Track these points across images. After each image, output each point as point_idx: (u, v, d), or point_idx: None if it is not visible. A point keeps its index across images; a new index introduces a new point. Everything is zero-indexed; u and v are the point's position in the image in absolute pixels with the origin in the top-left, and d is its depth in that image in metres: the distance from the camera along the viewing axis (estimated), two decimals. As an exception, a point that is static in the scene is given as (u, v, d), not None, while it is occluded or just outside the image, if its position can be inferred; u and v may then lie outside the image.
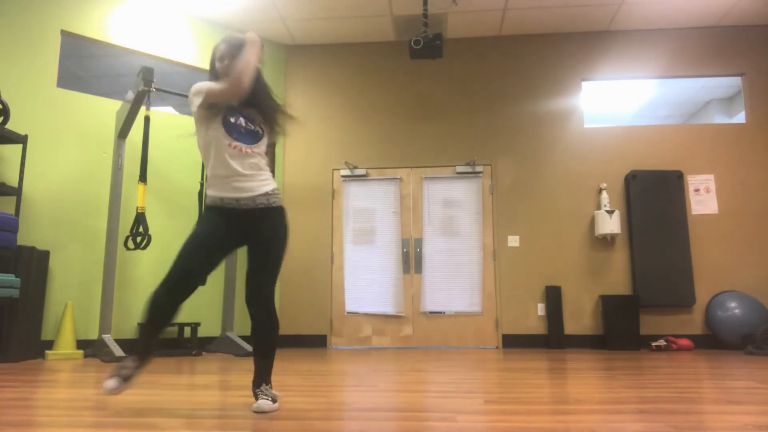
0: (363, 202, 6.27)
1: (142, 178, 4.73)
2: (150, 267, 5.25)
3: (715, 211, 5.85)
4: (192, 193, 5.58)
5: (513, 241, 5.99)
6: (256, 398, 2.19)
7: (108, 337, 4.50)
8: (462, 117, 6.29)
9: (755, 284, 5.64)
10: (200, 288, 5.51)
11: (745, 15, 5.92)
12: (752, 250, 5.75)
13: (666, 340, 5.43)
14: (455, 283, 6.00)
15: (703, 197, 5.89)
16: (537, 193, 6.06)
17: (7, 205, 4.56)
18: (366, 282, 6.10)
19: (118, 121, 5.02)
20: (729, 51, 6.12)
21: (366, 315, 6.05)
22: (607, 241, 5.88)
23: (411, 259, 6.09)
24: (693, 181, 5.92)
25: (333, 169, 6.36)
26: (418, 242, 6.11)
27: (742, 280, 5.67)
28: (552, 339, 5.63)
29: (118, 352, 4.28)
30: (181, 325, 5.18)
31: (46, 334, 4.66)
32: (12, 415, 2.06)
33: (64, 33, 5.14)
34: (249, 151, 2.27)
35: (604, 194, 5.88)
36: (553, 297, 5.73)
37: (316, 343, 6.02)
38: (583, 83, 6.28)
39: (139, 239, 4.65)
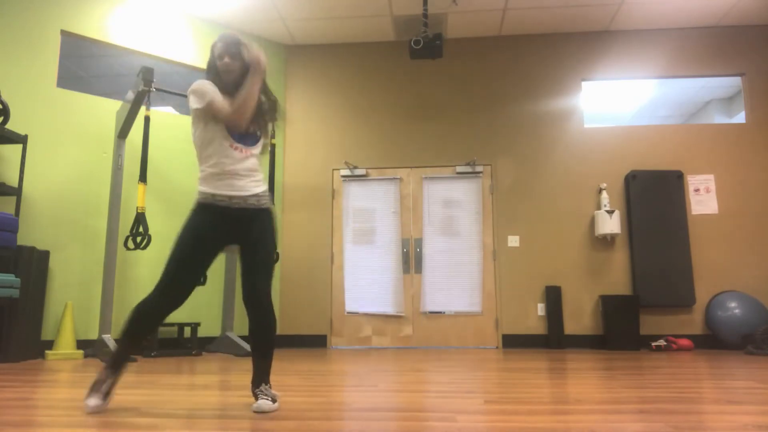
0: (363, 202, 6.27)
1: (142, 178, 4.73)
2: (150, 267, 5.25)
3: (715, 211, 5.85)
4: (192, 193, 5.55)
5: (513, 241, 5.99)
6: (256, 398, 2.19)
7: (108, 337, 4.50)
8: (462, 117, 6.29)
9: (755, 284, 5.64)
10: (200, 288, 5.51)
11: (745, 15, 5.92)
12: (752, 250, 5.75)
13: (666, 340, 5.43)
14: (455, 283, 6.00)
15: (703, 197, 5.89)
16: (537, 193, 6.06)
17: (7, 205, 4.56)
18: (366, 282, 6.11)
19: (118, 121, 5.02)
20: (729, 51, 6.12)
21: (366, 315, 6.05)
22: (607, 241, 5.88)
23: (411, 259, 6.09)
24: (693, 181, 5.92)
25: (333, 169, 6.36)
26: (418, 242, 6.11)
27: (742, 280, 5.67)
28: (552, 339, 5.63)
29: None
30: (181, 325, 5.18)
31: (46, 334, 4.66)
32: (12, 415, 2.06)
33: (64, 33, 5.14)
34: (248, 152, 2.30)
35: (604, 194, 5.88)
36: (553, 297, 5.73)
37: (316, 343, 6.02)
38: (583, 83, 6.28)
39: (139, 239, 4.65)
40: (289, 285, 6.16)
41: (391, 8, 5.82)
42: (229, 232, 2.25)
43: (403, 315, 6.01)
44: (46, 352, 4.52)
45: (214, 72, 2.30)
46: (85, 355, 4.66)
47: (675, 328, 5.65)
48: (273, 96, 2.46)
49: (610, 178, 6.00)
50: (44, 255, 4.57)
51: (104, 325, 4.63)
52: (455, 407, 2.24)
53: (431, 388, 2.83)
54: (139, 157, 4.94)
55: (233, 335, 5.30)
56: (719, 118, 7.31)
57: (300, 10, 5.86)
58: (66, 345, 4.60)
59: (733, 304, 5.37)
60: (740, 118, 6.48)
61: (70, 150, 5.04)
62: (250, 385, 2.29)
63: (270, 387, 2.25)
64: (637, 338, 5.45)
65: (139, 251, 4.89)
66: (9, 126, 4.61)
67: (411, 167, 6.26)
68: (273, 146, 5.61)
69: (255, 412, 2.12)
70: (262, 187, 2.32)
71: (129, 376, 3.34)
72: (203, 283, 5.11)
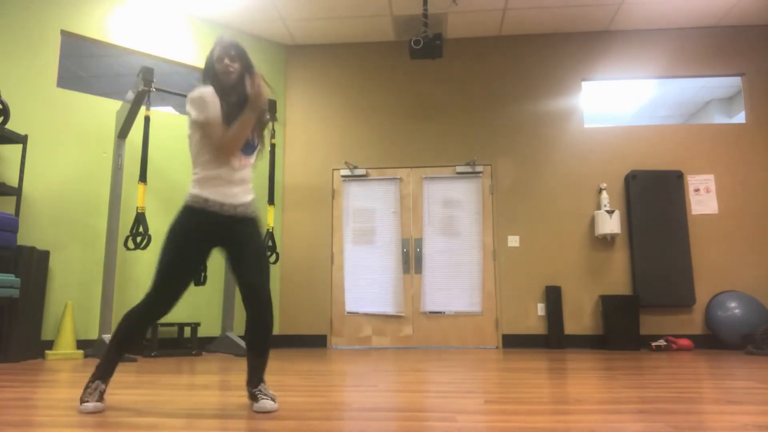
0: (363, 202, 6.27)
1: (142, 178, 4.73)
2: (150, 267, 5.21)
3: (715, 211, 5.85)
4: (192, 193, 5.57)
5: (513, 241, 5.99)
6: (255, 398, 2.19)
7: (108, 337, 4.50)
8: (462, 117, 6.29)
9: (755, 284, 5.64)
10: (200, 288, 5.48)
11: (745, 15, 5.92)
12: (752, 250, 5.75)
13: (666, 340, 5.43)
14: (455, 283, 6.00)
15: (703, 197, 5.89)
16: (537, 193, 6.06)
17: (7, 205, 4.56)
18: (366, 282, 6.11)
19: (118, 121, 5.02)
20: (729, 51, 6.12)
21: (366, 315, 6.05)
22: (607, 241, 5.88)
23: (411, 259, 6.09)
24: (693, 181, 5.92)
25: (333, 169, 6.36)
26: (418, 242, 6.11)
27: (742, 280, 5.67)
28: (552, 339, 5.63)
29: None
30: (181, 325, 5.18)
31: (46, 334, 4.66)
32: (12, 415, 2.06)
33: (64, 33, 5.14)
34: (246, 162, 2.31)
35: (604, 194, 5.88)
36: (553, 297, 5.73)
37: (316, 343, 6.02)
38: (583, 83, 6.28)
39: (139, 239, 4.65)
40: (289, 285, 6.16)
41: (391, 8, 5.83)
42: (218, 236, 2.25)
43: (403, 315, 6.01)
44: (46, 352, 4.52)
45: (211, 76, 2.27)
46: (85, 355, 4.66)
47: (675, 328, 5.65)
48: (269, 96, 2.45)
49: (610, 178, 6.00)
50: (44, 255, 4.57)
51: (104, 325, 4.63)
52: (455, 407, 2.24)
53: (431, 388, 2.83)
54: (139, 157, 4.94)
55: (233, 335, 5.30)
56: (719, 118, 7.31)
57: (300, 10, 5.86)
58: (66, 345, 4.60)
59: (733, 304, 5.37)
60: (740, 118, 6.48)
61: (70, 150, 5.04)
62: (246, 384, 2.29)
63: (266, 386, 2.25)
64: (637, 338, 5.45)
65: (139, 251, 4.88)
66: (9, 126, 4.61)
67: (411, 167, 6.26)
68: (273, 146, 5.61)
69: (258, 412, 2.12)
70: (251, 196, 2.34)
71: (129, 376, 3.35)
72: (203, 283, 5.13)
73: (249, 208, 2.31)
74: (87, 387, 2.16)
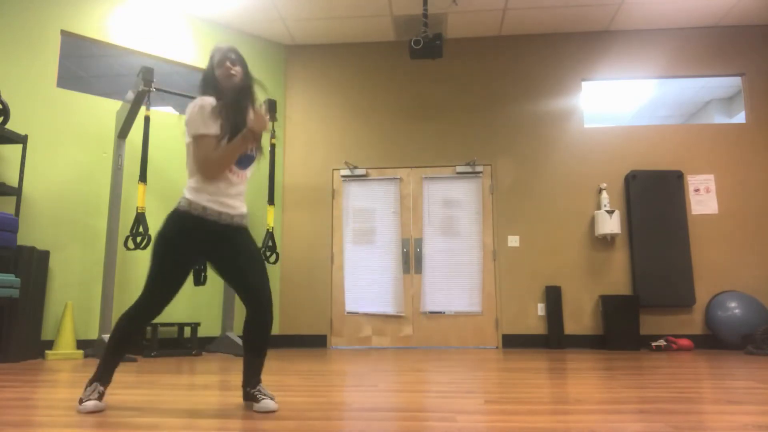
0: (363, 202, 6.27)
1: (142, 178, 4.73)
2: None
3: (715, 211, 5.85)
4: (192, 193, 5.57)
5: (513, 241, 5.99)
6: (254, 398, 2.19)
7: (108, 337, 4.50)
8: (462, 117, 6.29)
9: (755, 284, 5.64)
10: (200, 288, 5.49)
11: (745, 15, 5.92)
12: (752, 250, 5.75)
13: (666, 340, 5.43)
14: (455, 283, 6.00)
15: (703, 197, 5.89)
16: (537, 193, 6.06)
17: (7, 205, 4.56)
18: (366, 282, 6.11)
19: (118, 121, 5.02)
20: (729, 51, 6.12)
21: (366, 315, 6.05)
22: (607, 241, 5.88)
23: (411, 259, 6.09)
24: (693, 181, 5.92)
25: (333, 169, 6.36)
26: (418, 242, 6.11)
27: (742, 280, 5.67)
28: (552, 339, 5.63)
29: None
30: (181, 325, 5.18)
31: (46, 334, 4.66)
32: (12, 415, 2.06)
33: (64, 33, 5.14)
34: (243, 176, 2.30)
35: (604, 194, 5.88)
36: (553, 297, 5.73)
37: (316, 343, 6.02)
38: (583, 83, 6.28)
39: (139, 239, 4.65)
40: (289, 285, 6.16)
41: (391, 8, 5.82)
42: (211, 244, 2.24)
43: (403, 315, 6.01)
44: (46, 352, 4.52)
45: (211, 83, 2.25)
46: (85, 355, 4.66)
47: (675, 328, 5.65)
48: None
49: (610, 178, 6.00)
50: (44, 255, 4.57)
51: (104, 325, 4.63)
52: (455, 407, 2.24)
53: (431, 388, 2.83)
54: (139, 157, 4.95)
55: (233, 335, 5.30)
56: (719, 118, 7.31)
57: (300, 10, 5.86)
58: (66, 345, 4.60)
59: (733, 304, 5.37)
60: (740, 118, 6.48)
61: (70, 150, 5.04)
62: (243, 385, 2.29)
63: (263, 386, 2.25)
64: (637, 338, 5.45)
65: (139, 251, 4.89)
66: (9, 126, 4.61)
67: (411, 167, 6.26)
68: (273, 146, 5.61)
69: (260, 412, 2.12)
70: (245, 208, 2.34)
71: (129, 376, 3.35)
72: (203, 283, 5.13)
73: (244, 219, 2.32)
74: (86, 388, 2.16)
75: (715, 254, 5.76)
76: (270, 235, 5.39)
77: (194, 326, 5.12)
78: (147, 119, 4.86)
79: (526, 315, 5.85)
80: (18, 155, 4.70)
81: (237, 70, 2.26)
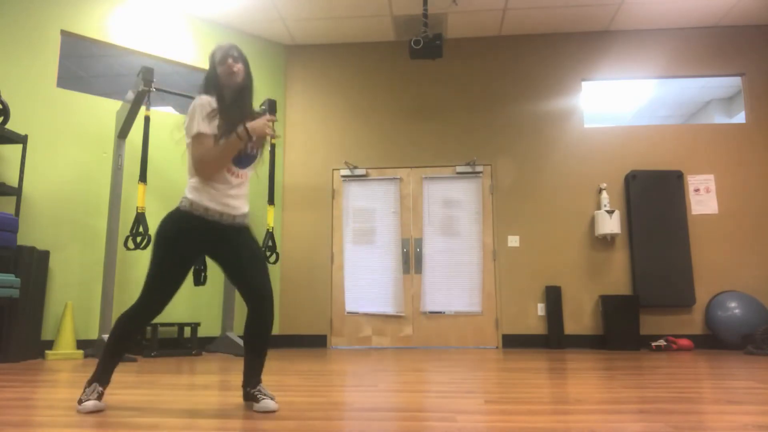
0: (363, 202, 6.27)
1: (142, 178, 4.73)
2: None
3: (715, 211, 5.85)
4: (192, 193, 5.57)
5: (513, 241, 5.99)
6: (255, 399, 2.19)
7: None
8: (462, 117, 6.29)
9: (755, 284, 5.64)
10: (200, 288, 5.48)
11: (745, 15, 5.92)
12: (752, 250, 5.75)
13: (666, 340, 5.43)
14: (455, 283, 6.00)
15: (703, 197, 5.89)
16: (537, 193, 6.06)
17: (7, 205, 4.56)
18: (366, 282, 6.11)
19: (118, 121, 5.02)
20: (729, 51, 6.12)
21: (366, 315, 6.05)
22: (607, 241, 5.88)
23: (411, 259, 6.09)
24: (693, 181, 5.92)
25: (333, 169, 6.36)
26: (418, 242, 6.11)
27: (742, 280, 5.67)
28: (552, 339, 5.63)
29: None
30: (181, 325, 5.18)
31: (46, 334, 4.66)
32: (12, 415, 2.06)
33: (64, 33, 5.14)
34: (244, 176, 2.29)
35: (604, 194, 5.88)
36: (553, 297, 5.73)
37: (316, 343, 6.02)
38: (583, 83, 6.28)
39: (139, 239, 4.65)
40: (289, 285, 6.16)
41: (391, 8, 5.82)
42: (212, 243, 2.24)
43: (403, 315, 6.01)
44: (46, 352, 4.52)
45: (213, 82, 2.25)
46: (85, 355, 4.66)
47: (675, 328, 5.65)
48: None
49: (610, 178, 6.00)
50: (44, 255, 4.57)
51: (104, 325, 4.63)
52: (455, 407, 2.24)
53: (431, 388, 2.83)
54: (139, 157, 4.95)
55: (233, 335, 5.30)
56: (719, 118, 7.31)
57: (300, 10, 5.86)
58: (66, 345, 4.60)
59: (733, 304, 5.37)
60: (740, 118, 6.48)
61: (70, 150, 5.04)
62: (243, 385, 2.28)
63: (263, 386, 2.25)
64: (637, 338, 5.45)
65: (139, 251, 4.89)
66: (9, 126, 4.61)
67: (411, 167, 6.26)
68: (273, 146, 5.61)
69: (261, 412, 2.12)
70: (247, 208, 2.34)
71: (129, 376, 3.35)
72: (203, 283, 5.12)
73: (245, 218, 2.32)
74: (85, 388, 2.16)
75: (715, 254, 5.76)
76: (270, 235, 5.39)
77: (194, 326, 5.12)
78: (147, 119, 4.86)
79: (526, 315, 5.85)
80: (18, 155, 4.70)
81: (239, 67, 2.25)
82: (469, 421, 1.96)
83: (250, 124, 2.15)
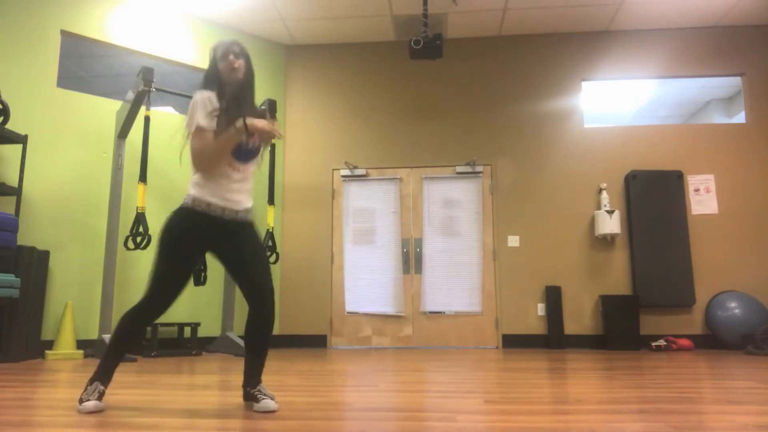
0: (363, 202, 6.27)
1: (142, 178, 4.73)
2: (150, 267, 5.24)
3: (715, 211, 5.85)
4: (192, 193, 5.57)
5: (513, 241, 5.99)
6: (255, 399, 2.19)
7: (108, 337, 4.50)
8: (462, 117, 6.29)
9: (755, 284, 5.64)
10: (200, 288, 5.48)
11: (745, 15, 5.92)
12: (752, 250, 5.75)
13: (666, 340, 5.43)
14: (455, 283, 6.00)
15: (703, 197, 5.89)
16: (537, 193, 6.06)
17: (7, 205, 4.56)
18: (366, 282, 6.11)
19: (118, 121, 5.02)
20: (729, 51, 6.12)
21: (366, 315, 6.05)
22: (607, 241, 5.88)
23: (411, 259, 6.09)
24: (693, 181, 5.92)
25: (333, 169, 6.36)
26: (418, 242, 6.11)
27: (742, 280, 5.67)
28: (552, 339, 5.63)
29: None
30: (181, 325, 5.18)
31: (46, 334, 4.66)
32: (12, 415, 2.06)
33: (64, 33, 5.14)
34: (246, 171, 2.29)
35: (604, 194, 5.88)
36: (553, 297, 5.73)
37: (316, 343, 6.02)
38: (583, 83, 6.28)
39: (139, 239, 4.65)
40: (289, 285, 6.16)
41: (391, 8, 5.83)
42: (215, 239, 2.24)
43: (403, 315, 6.01)
44: (46, 352, 4.52)
45: (213, 78, 2.24)
46: (85, 355, 4.66)
47: (675, 328, 5.65)
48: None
49: (610, 178, 6.00)
50: (44, 255, 4.57)
51: (104, 325, 4.63)
52: (455, 407, 2.24)
53: (431, 388, 2.83)
54: (139, 157, 4.95)
55: (233, 335, 5.30)
56: (719, 118, 7.31)
57: (300, 10, 5.86)
58: (66, 345, 4.60)
59: (733, 304, 5.37)
60: (740, 118, 6.48)
61: (70, 150, 5.04)
62: (243, 385, 2.28)
63: (263, 386, 2.25)
64: (637, 338, 5.45)
65: (139, 251, 4.89)
66: (9, 126, 4.61)
67: (411, 167, 6.26)
68: (273, 146, 5.61)
69: (261, 411, 2.12)
70: (251, 202, 2.33)
71: (129, 376, 3.35)
72: (203, 283, 5.12)
73: (249, 214, 2.31)
74: (86, 387, 2.16)
75: (715, 254, 5.76)
76: (270, 235, 5.39)
77: (194, 326, 5.12)
78: (147, 119, 4.86)
79: (526, 315, 5.85)
80: (18, 155, 4.70)
81: (240, 63, 2.24)
82: (469, 421, 1.96)
83: (251, 121, 2.15)
